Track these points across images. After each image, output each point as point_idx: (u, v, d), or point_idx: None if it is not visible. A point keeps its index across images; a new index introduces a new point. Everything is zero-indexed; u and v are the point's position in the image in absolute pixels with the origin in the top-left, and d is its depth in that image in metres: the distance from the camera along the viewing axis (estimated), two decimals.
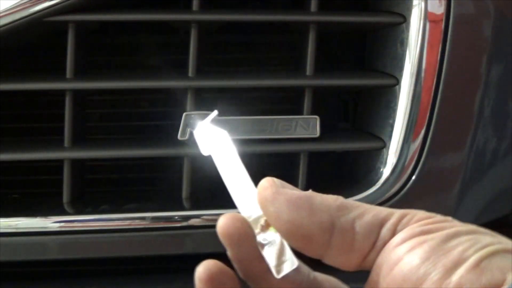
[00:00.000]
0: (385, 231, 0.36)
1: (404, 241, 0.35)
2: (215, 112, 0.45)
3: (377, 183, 0.65)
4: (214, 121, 0.44)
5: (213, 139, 0.43)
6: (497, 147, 0.69)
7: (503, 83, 0.67)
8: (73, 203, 0.64)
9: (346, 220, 0.36)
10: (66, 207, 0.63)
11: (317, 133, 0.64)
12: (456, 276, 0.32)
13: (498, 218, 0.72)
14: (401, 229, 0.36)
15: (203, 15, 0.63)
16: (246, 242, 0.38)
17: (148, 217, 0.62)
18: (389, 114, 0.65)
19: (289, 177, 0.69)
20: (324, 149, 0.67)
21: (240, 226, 0.38)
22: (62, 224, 0.62)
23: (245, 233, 0.38)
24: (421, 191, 0.65)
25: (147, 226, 0.62)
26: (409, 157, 0.64)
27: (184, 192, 0.64)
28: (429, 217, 0.36)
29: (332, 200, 0.37)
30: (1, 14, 0.59)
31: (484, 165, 0.68)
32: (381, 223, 0.36)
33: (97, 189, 0.71)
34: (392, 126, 0.64)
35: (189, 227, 0.62)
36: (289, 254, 0.38)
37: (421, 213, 0.37)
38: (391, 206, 0.64)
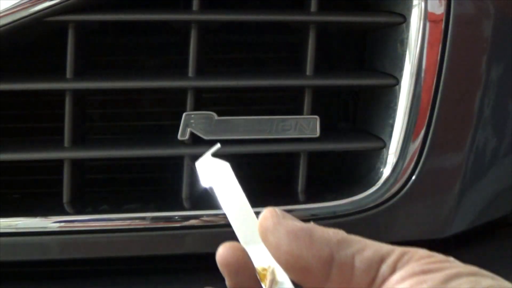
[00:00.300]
0: (385, 267, 0.36)
1: (404, 279, 0.35)
2: (218, 145, 0.45)
3: (377, 183, 0.65)
4: (216, 153, 0.44)
5: (215, 172, 0.43)
6: (497, 147, 0.69)
7: (503, 83, 0.67)
8: (73, 203, 0.64)
9: (346, 254, 0.36)
10: (66, 207, 0.63)
11: (317, 133, 0.64)
12: None
13: (498, 218, 0.72)
14: (402, 267, 0.36)
15: (203, 15, 0.63)
16: (244, 272, 0.39)
17: (148, 217, 0.62)
18: (389, 114, 0.65)
19: (289, 177, 0.70)
20: (324, 149, 0.67)
21: (239, 255, 0.39)
22: (62, 224, 0.62)
23: (244, 263, 0.39)
24: (421, 191, 0.65)
25: (147, 226, 0.62)
26: (409, 157, 0.64)
27: (184, 192, 0.64)
28: (430, 256, 0.36)
29: (332, 233, 0.37)
30: (1, 14, 0.59)
31: (484, 165, 0.68)
32: (381, 259, 0.36)
33: (97, 189, 0.71)
34: (392, 126, 0.64)
35: (189, 227, 0.62)
36: (288, 285, 0.38)
37: (422, 252, 0.36)
38: (391, 206, 0.64)
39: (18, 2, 0.59)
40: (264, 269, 0.39)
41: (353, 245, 0.37)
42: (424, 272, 0.34)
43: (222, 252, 0.39)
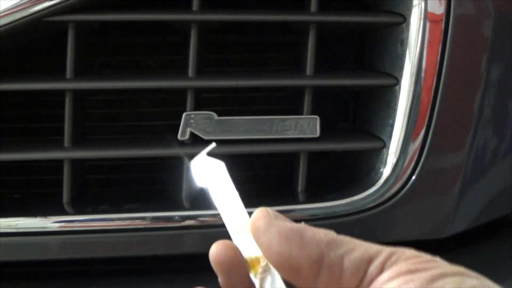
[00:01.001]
0: (373, 268, 0.37)
1: (391, 279, 0.36)
2: (213, 145, 0.45)
3: (377, 183, 0.65)
4: (211, 153, 0.44)
5: (210, 171, 0.43)
6: (497, 147, 0.69)
7: (503, 83, 0.67)
8: (73, 203, 0.64)
9: (335, 255, 0.37)
10: (66, 207, 0.63)
11: (317, 133, 0.64)
12: None
13: (498, 218, 0.72)
14: (389, 267, 0.36)
15: (203, 15, 0.63)
16: (237, 271, 0.39)
17: (148, 217, 0.62)
18: (389, 114, 0.65)
19: (289, 177, 0.70)
20: (324, 149, 0.67)
21: (232, 254, 0.39)
22: (62, 224, 0.62)
23: (237, 261, 0.39)
24: (421, 191, 0.65)
25: (147, 226, 0.62)
26: (409, 157, 0.64)
27: (184, 192, 0.64)
28: (417, 256, 0.37)
29: (323, 234, 0.38)
30: (1, 14, 0.59)
31: (484, 165, 0.68)
32: (370, 260, 0.37)
33: (97, 189, 0.71)
34: (392, 126, 0.64)
35: (189, 227, 0.62)
36: (279, 284, 0.39)
37: (409, 252, 0.37)
38: (391, 206, 0.64)
39: (18, 2, 0.59)
40: (252, 258, 0.40)
41: (342, 246, 0.37)
42: (411, 272, 0.35)
43: (215, 250, 0.39)
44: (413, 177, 0.64)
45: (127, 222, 0.62)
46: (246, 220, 0.41)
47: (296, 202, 0.65)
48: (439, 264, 0.36)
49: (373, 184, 0.65)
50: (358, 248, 0.37)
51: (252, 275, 0.39)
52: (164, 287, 0.64)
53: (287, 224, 0.38)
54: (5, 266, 0.62)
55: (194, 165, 0.44)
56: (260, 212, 0.39)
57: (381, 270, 0.36)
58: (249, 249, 0.40)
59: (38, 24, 0.60)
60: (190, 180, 0.64)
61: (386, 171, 0.65)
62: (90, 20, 0.62)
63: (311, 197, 0.65)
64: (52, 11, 0.59)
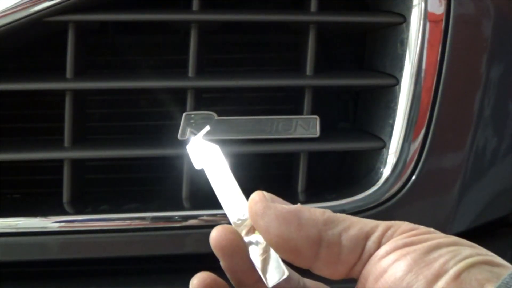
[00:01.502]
0: (370, 243, 0.37)
1: (388, 253, 0.36)
2: (207, 128, 0.46)
3: (377, 183, 0.65)
4: (206, 135, 0.45)
5: (205, 153, 0.44)
6: (497, 147, 0.69)
7: (503, 83, 0.67)
8: (73, 203, 0.64)
9: (332, 234, 0.38)
10: (66, 207, 0.63)
11: (317, 133, 0.64)
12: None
13: (498, 218, 0.72)
14: (386, 242, 0.37)
15: (203, 15, 0.63)
16: (238, 253, 0.40)
17: (148, 217, 0.62)
18: (389, 114, 0.65)
19: (289, 177, 0.70)
20: (324, 149, 0.67)
21: (232, 238, 0.40)
22: (62, 224, 0.62)
23: (237, 245, 0.40)
24: (421, 191, 0.65)
25: (147, 226, 0.62)
26: (409, 157, 0.64)
27: (184, 192, 0.64)
28: (413, 229, 0.37)
29: (319, 214, 0.39)
30: (1, 14, 0.59)
31: (484, 165, 0.68)
32: (366, 236, 0.38)
33: (97, 189, 0.71)
34: (392, 126, 0.64)
35: (189, 227, 0.62)
36: (279, 264, 0.40)
37: (405, 225, 0.38)
38: (391, 206, 0.64)
39: (18, 2, 0.59)
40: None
41: (339, 224, 0.38)
42: (407, 245, 0.36)
43: (215, 235, 0.40)
44: (413, 177, 0.64)
45: (127, 222, 0.62)
46: (243, 202, 0.42)
47: (296, 202, 0.65)
48: (435, 236, 0.37)
49: (373, 184, 0.65)
50: (354, 225, 0.38)
51: (251, 256, 0.40)
52: (164, 287, 0.64)
53: (284, 206, 0.39)
54: (5, 266, 0.62)
55: (190, 148, 0.45)
56: (257, 195, 0.40)
57: (378, 245, 0.37)
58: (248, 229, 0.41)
59: (38, 24, 0.60)
60: (191, 180, 0.64)
61: (386, 171, 0.65)
62: (90, 20, 0.62)
63: (311, 197, 0.65)
64: (52, 11, 0.59)
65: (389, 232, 0.38)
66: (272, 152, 0.65)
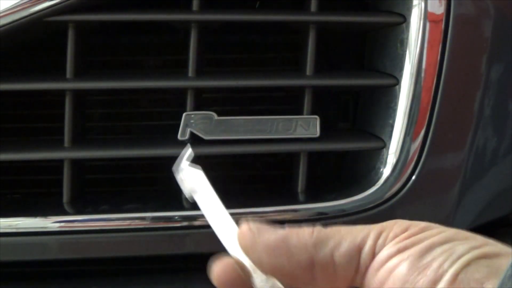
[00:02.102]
0: (364, 256, 0.37)
1: (382, 263, 0.36)
2: (189, 150, 0.46)
3: (377, 183, 0.65)
4: (189, 158, 0.45)
5: (191, 180, 0.44)
6: (497, 147, 0.69)
7: (503, 83, 0.67)
8: (73, 203, 0.64)
9: (324, 254, 0.37)
10: (66, 207, 0.63)
11: (317, 133, 0.64)
12: None
13: (498, 218, 0.72)
14: (379, 251, 0.37)
15: (203, 15, 0.63)
16: (240, 285, 0.40)
17: (148, 217, 0.62)
18: (389, 114, 0.65)
19: (289, 177, 0.69)
20: (324, 149, 0.67)
21: (231, 272, 0.40)
22: (62, 224, 0.62)
23: (239, 279, 0.40)
24: (421, 191, 0.65)
25: (147, 226, 0.62)
26: (409, 157, 0.64)
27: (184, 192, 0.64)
28: (405, 230, 0.37)
29: (308, 236, 0.38)
30: (1, 14, 0.59)
31: (484, 165, 0.68)
32: (359, 249, 0.37)
33: (97, 189, 0.71)
34: (392, 126, 0.64)
35: (189, 227, 0.62)
36: None
37: (396, 227, 0.37)
38: (391, 206, 0.64)
39: (18, 2, 0.59)
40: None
41: (329, 242, 0.38)
42: (400, 251, 0.36)
43: (216, 271, 0.40)
44: (413, 177, 0.64)
45: (127, 222, 0.62)
46: (233, 228, 0.42)
47: (296, 202, 0.65)
48: (427, 234, 0.36)
49: (373, 184, 0.65)
50: (345, 238, 0.38)
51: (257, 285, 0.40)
52: (164, 287, 0.64)
53: (271, 236, 0.39)
54: (5, 266, 0.62)
55: (175, 173, 0.45)
56: (245, 227, 0.40)
57: (372, 256, 0.37)
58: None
59: (38, 24, 0.60)
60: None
61: (386, 171, 0.64)
62: (90, 20, 0.62)
63: (311, 197, 0.65)
64: (52, 11, 0.59)
65: (381, 240, 0.37)
66: (272, 152, 0.65)
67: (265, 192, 0.72)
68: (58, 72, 0.63)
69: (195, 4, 0.62)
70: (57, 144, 0.64)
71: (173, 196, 0.65)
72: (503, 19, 0.65)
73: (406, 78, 0.63)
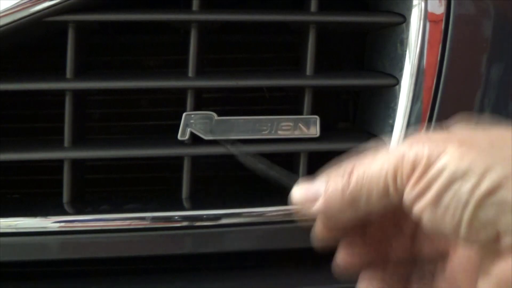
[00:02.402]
0: (391, 198, 0.40)
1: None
2: None
3: None
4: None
5: None
6: None
7: (503, 83, 0.67)
8: (73, 203, 0.64)
9: (363, 211, 0.42)
10: (66, 207, 0.63)
11: (317, 133, 0.64)
12: None
13: None
14: (402, 192, 0.39)
15: (203, 15, 0.63)
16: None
17: (148, 217, 0.62)
18: (389, 114, 0.65)
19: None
20: (324, 149, 0.67)
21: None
22: (62, 224, 0.62)
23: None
24: None
25: (147, 226, 0.62)
26: None
27: (184, 192, 0.64)
28: (412, 169, 0.38)
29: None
30: (1, 14, 0.59)
31: None
32: (386, 193, 0.40)
33: (97, 189, 0.71)
34: (392, 126, 0.64)
35: (189, 227, 0.62)
36: None
37: (405, 164, 0.38)
38: None
39: (18, 2, 0.59)
40: None
41: (361, 199, 0.42)
42: (419, 196, 0.38)
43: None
44: None
45: (127, 222, 0.62)
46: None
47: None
48: (434, 175, 0.37)
49: None
50: (370, 187, 0.41)
51: None
52: (164, 287, 0.64)
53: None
54: (5, 266, 0.62)
55: None
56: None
57: (400, 197, 0.39)
58: None
59: (38, 24, 0.60)
60: (191, 180, 0.64)
61: None
62: (90, 20, 0.62)
63: None
64: (52, 11, 0.59)
65: (398, 181, 0.38)
66: (272, 152, 0.65)
67: (265, 192, 0.71)
68: (58, 72, 0.63)
69: (195, 4, 0.62)
70: (57, 144, 0.64)
71: (173, 196, 0.65)
72: (503, 19, 0.65)
73: (406, 78, 0.63)
